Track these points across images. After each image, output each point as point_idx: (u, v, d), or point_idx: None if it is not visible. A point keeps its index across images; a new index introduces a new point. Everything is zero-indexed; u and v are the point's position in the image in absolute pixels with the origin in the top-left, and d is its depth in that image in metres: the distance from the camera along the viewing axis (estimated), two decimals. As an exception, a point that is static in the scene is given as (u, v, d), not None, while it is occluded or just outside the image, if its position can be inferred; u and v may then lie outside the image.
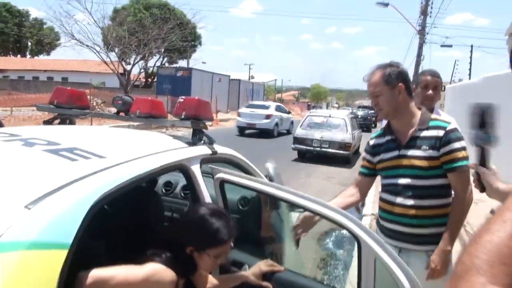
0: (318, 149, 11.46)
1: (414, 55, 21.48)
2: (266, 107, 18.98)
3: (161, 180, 2.72)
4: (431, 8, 20.69)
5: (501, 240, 0.58)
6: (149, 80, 32.53)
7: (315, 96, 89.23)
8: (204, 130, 1.97)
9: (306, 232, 1.98)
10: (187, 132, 2.04)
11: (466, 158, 1.94)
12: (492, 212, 1.95)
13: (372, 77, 2.01)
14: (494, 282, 0.55)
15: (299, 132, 11.87)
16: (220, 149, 2.00)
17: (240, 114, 18.76)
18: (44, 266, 0.93)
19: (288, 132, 19.26)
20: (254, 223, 2.32)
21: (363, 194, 2.25)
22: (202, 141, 1.93)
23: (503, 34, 12.64)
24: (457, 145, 1.94)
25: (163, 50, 27.14)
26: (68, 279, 1.00)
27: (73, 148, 1.38)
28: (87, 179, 1.17)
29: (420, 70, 13.92)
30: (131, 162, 1.38)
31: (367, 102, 45.08)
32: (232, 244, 1.51)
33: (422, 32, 20.60)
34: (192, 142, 1.88)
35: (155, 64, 31.55)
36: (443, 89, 11.55)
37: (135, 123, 2.74)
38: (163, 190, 2.75)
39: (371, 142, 2.22)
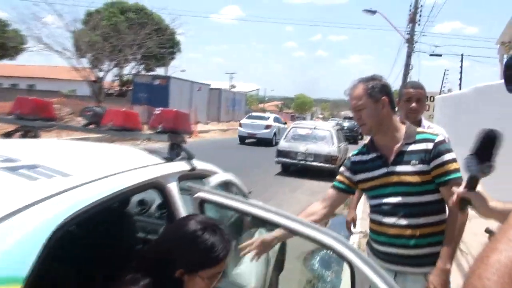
0: (303, 162, 11.47)
1: (402, 64, 21.96)
2: (266, 118, 21.55)
3: (135, 197, 2.64)
4: (420, 16, 21.28)
5: (510, 259, 0.61)
6: (124, 88, 32.22)
7: (299, 107, 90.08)
8: (182, 145, 1.92)
9: (259, 254, 1.93)
10: (164, 144, 1.97)
11: (458, 170, 1.92)
12: (487, 231, 1.94)
13: (355, 90, 2.00)
14: None
15: (282, 144, 11.86)
16: (200, 164, 1.94)
17: (242, 124, 21.09)
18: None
19: None
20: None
21: (333, 209, 2.18)
22: (180, 157, 1.87)
23: (494, 43, 13.00)
24: (448, 156, 1.93)
25: (139, 56, 26.92)
26: None
27: (34, 165, 1.31)
28: (49, 201, 1.10)
29: (408, 80, 14.16)
30: (100, 181, 1.32)
31: (353, 113, 45.44)
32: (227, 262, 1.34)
33: (410, 41, 21.08)
34: (169, 158, 1.83)
35: (130, 72, 31.33)
36: (432, 99, 11.79)
37: (107, 136, 2.68)
38: (137, 209, 2.67)
39: (353, 159, 2.17)
